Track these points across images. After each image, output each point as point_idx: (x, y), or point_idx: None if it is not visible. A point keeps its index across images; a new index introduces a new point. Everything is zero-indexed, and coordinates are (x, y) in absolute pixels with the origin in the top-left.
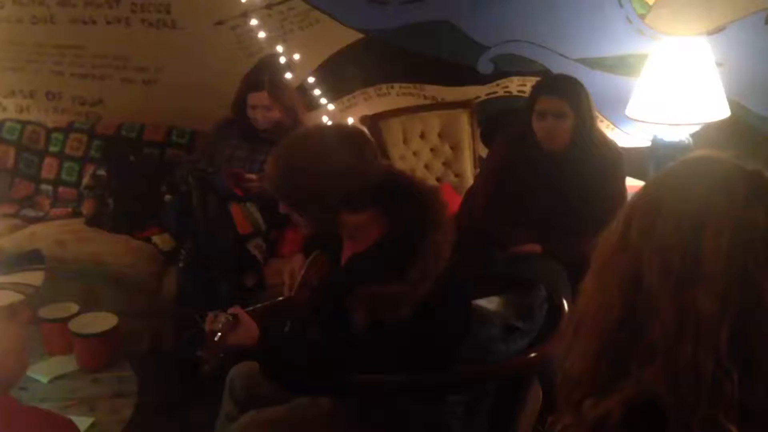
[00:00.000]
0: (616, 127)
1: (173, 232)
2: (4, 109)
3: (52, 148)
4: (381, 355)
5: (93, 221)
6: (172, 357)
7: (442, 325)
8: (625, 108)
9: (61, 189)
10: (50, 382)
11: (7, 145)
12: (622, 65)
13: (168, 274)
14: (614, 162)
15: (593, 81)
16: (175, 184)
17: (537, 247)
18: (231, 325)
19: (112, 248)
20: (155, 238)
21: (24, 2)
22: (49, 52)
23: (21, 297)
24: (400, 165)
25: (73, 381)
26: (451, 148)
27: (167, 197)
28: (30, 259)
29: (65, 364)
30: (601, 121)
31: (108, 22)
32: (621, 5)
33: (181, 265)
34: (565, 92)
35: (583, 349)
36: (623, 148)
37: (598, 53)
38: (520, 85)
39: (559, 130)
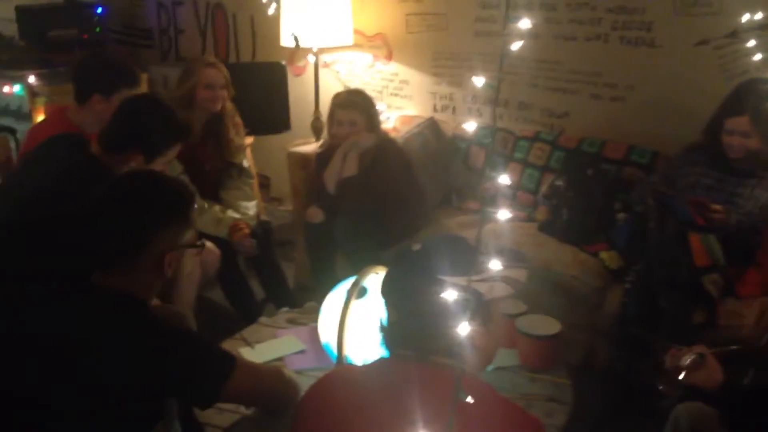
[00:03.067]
0: None
1: (623, 251)
2: (481, 114)
3: (517, 155)
4: None
5: (545, 228)
6: (604, 374)
7: None
8: None
9: (519, 193)
10: (494, 371)
11: (480, 147)
12: None
13: (611, 291)
14: None
15: None
16: (630, 203)
17: None
18: (697, 365)
19: (561, 257)
20: (603, 254)
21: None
22: (529, 65)
23: (511, 291)
24: None
25: (514, 375)
26: None
27: (620, 215)
28: (513, 256)
29: (509, 357)
30: None
31: (587, 39)
32: None
33: (627, 286)
34: None
35: None
36: None
37: None
38: None
39: None
